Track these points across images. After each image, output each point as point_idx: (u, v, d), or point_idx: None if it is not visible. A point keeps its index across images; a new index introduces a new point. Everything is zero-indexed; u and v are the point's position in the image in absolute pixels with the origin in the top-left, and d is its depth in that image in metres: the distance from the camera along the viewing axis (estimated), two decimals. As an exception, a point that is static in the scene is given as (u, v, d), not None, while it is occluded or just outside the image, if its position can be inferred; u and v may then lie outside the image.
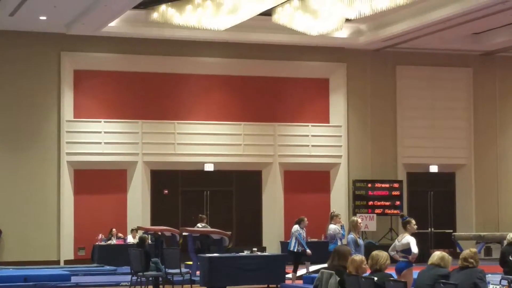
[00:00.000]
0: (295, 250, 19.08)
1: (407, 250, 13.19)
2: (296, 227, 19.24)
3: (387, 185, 27.73)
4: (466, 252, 9.71)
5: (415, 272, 18.69)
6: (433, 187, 29.21)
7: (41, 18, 23.78)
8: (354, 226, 15.52)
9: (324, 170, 27.88)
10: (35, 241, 24.97)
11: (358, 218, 16.00)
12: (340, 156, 27.81)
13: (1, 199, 24.90)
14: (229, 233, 21.27)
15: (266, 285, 18.78)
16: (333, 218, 18.53)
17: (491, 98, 29.49)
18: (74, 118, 25.71)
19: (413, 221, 14.11)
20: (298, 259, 19.19)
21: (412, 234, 13.53)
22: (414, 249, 13.19)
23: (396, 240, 13.89)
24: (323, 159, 27.69)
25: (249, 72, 27.32)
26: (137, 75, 26.43)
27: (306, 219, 19.42)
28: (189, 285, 18.59)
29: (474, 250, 9.83)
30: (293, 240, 19.13)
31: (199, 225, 22.10)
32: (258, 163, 27.32)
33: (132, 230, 24.92)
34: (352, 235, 15.36)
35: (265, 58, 27.19)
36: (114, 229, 25.21)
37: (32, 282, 19.14)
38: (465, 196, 29.17)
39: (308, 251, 19.02)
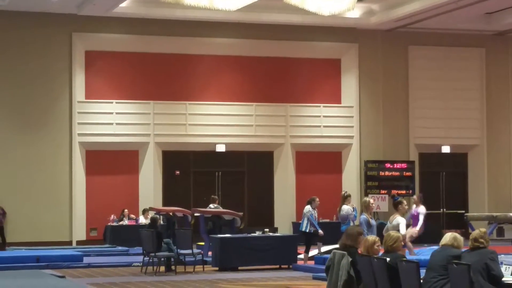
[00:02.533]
0: (307, 231, 18.99)
1: (398, 231, 13.19)
2: (308, 207, 19.12)
3: (399, 166, 27.67)
4: (476, 233, 9.60)
5: (424, 250, 18.68)
6: (445, 167, 29.12)
7: (52, -1, 23.77)
8: (366, 207, 15.46)
9: (336, 150, 27.84)
10: (48, 222, 25.06)
11: (370, 199, 15.97)
12: (352, 137, 27.76)
13: (13, 180, 24.97)
14: (241, 213, 21.27)
15: (277, 266, 18.80)
16: (346, 198, 18.49)
17: (504, 78, 29.34)
18: (85, 99, 25.72)
19: (405, 202, 14.27)
20: (310, 239, 19.11)
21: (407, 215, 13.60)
22: (402, 230, 13.31)
23: (388, 222, 13.95)
24: (335, 139, 27.65)
25: (260, 53, 27.24)
26: (148, 55, 26.39)
27: (317, 198, 19.28)
28: (201, 266, 18.59)
29: (483, 230, 9.72)
30: (305, 221, 19.03)
31: (211, 205, 22.11)
32: (269, 144, 27.30)
33: (144, 211, 24.96)
34: (364, 216, 15.30)
35: (277, 38, 27.10)
36: (126, 210, 25.28)
37: (45, 262, 19.21)
38: (477, 176, 29.07)
39: (320, 231, 18.93)
